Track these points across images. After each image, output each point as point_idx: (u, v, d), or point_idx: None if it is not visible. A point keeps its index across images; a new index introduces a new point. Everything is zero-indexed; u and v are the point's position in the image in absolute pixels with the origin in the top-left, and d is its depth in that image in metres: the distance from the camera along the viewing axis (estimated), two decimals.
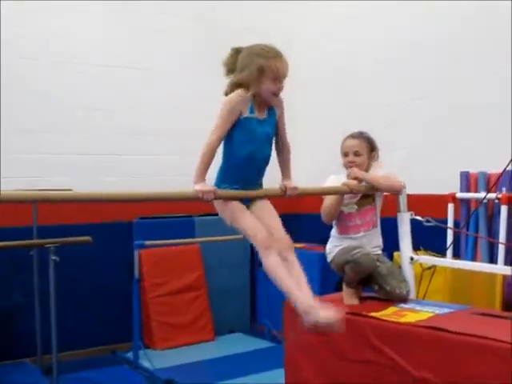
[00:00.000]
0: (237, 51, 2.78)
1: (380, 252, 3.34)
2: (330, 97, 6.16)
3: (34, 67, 5.28)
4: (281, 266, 2.66)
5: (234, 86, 2.71)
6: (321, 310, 2.52)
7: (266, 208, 2.82)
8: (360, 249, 3.17)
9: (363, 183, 3.26)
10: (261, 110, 2.73)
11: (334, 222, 3.37)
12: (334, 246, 3.35)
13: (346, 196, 3.29)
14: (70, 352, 5.20)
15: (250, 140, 2.70)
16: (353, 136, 3.35)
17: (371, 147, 3.34)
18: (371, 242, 3.30)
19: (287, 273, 2.67)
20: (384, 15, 5.61)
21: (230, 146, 2.73)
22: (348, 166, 3.31)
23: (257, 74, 2.64)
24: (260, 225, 2.70)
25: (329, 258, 3.37)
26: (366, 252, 3.16)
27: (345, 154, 3.35)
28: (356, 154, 3.31)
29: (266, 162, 2.80)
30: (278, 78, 2.67)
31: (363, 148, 3.31)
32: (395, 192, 3.34)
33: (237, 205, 2.75)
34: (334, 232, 3.40)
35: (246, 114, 2.68)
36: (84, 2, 5.49)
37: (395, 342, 2.72)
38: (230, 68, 2.79)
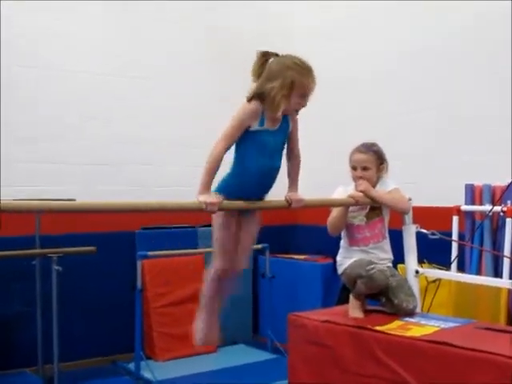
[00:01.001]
0: (264, 55, 2.72)
1: (390, 264, 3.32)
2: (330, 107, 6.15)
3: (32, 75, 5.28)
4: (215, 292, 3.07)
5: (256, 95, 2.65)
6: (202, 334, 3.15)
7: (250, 226, 2.91)
8: (375, 265, 3.14)
9: None
10: (275, 120, 2.69)
11: (343, 234, 3.35)
12: (344, 258, 3.32)
13: (354, 208, 3.28)
14: (71, 362, 5.17)
15: (261, 153, 2.68)
16: (361, 150, 3.32)
17: (380, 160, 3.33)
18: (381, 254, 3.28)
19: (215, 299, 3.11)
20: (385, 25, 5.61)
21: (242, 158, 2.71)
22: (357, 180, 3.30)
23: (287, 89, 2.60)
24: (229, 253, 2.85)
25: (340, 270, 3.34)
26: (380, 269, 3.13)
27: (353, 168, 3.34)
28: (364, 168, 3.29)
29: (276, 175, 2.77)
30: (306, 95, 2.66)
31: (372, 162, 3.29)
32: (402, 212, 3.34)
33: (225, 221, 2.79)
34: (343, 243, 3.38)
35: (256, 127, 2.65)
36: (83, 10, 5.50)
37: (400, 356, 2.70)
38: (257, 73, 2.71)
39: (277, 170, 2.77)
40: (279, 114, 2.64)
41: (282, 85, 2.60)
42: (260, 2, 6.46)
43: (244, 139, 2.67)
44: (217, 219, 2.80)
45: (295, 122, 2.79)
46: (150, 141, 5.83)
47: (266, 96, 2.61)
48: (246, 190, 2.74)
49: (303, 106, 2.69)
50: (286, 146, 2.81)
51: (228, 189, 2.74)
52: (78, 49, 5.51)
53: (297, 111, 2.71)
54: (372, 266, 3.11)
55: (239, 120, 2.63)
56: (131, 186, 5.64)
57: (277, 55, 2.72)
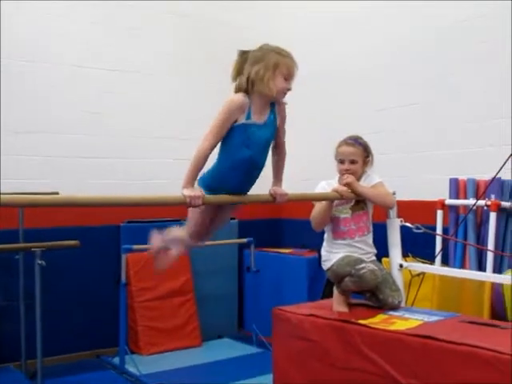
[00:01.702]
0: (243, 53, 2.73)
1: (374, 258, 3.31)
2: (318, 101, 6.15)
3: (25, 68, 5.26)
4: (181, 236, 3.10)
5: (242, 89, 2.67)
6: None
7: (226, 214, 3.00)
8: (364, 264, 3.12)
9: None
10: (261, 113, 2.69)
11: (327, 228, 3.33)
12: (329, 253, 3.28)
13: (339, 201, 3.26)
14: (55, 357, 5.17)
15: (247, 145, 2.66)
16: (348, 143, 3.29)
17: (366, 153, 3.32)
18: (366, 248, 3.28)
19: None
20: (374, 20, 5.61)
21: (227, 151, 2.70)
22: (343, 173, 3.28)
23: (272, 69, 2.62)
24: (198, 232, 3.00)
25: (325, 266, 3.30)
26: (371, 268, 3.10)
27: (340, 161, 3.31)
28: (352, 161, 3.28)
29: (260, 169, 2.77)
30: (290, 76, 2.67)
31: (359, 155, 3.28)
32: (386, 207, 3.33)
33: (204, 209, 2.81)
34: (328, 237, 3.34)
35: (243, 121, 2.64)
36: (78, 6, 5.48)
37: (384, 350, 2.70)
38: (238, 71, 2.72)
39: (262, 164, 2.76)
40: (273, 93, 2.64)
41: (267, 66, 2.62)
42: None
43: (230, 133, 2.66)
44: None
45: (283, 112, 2.78)
46: (136, 134, 5.81)
47: (254, 78, 2.62)
48: (229, 184, 2.73)
49: (288, 90, 2.70)
50: (272, 140, 2.79)
51: (212, 182, 2.73)
52: (67, 51, 5.49)
53: (283, 94, 2.71)
54: (362, 266, 3.08)
55: (226, 113, 2.62)
56: (116, 179, 5.61)
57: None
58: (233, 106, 2.63)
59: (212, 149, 2.64)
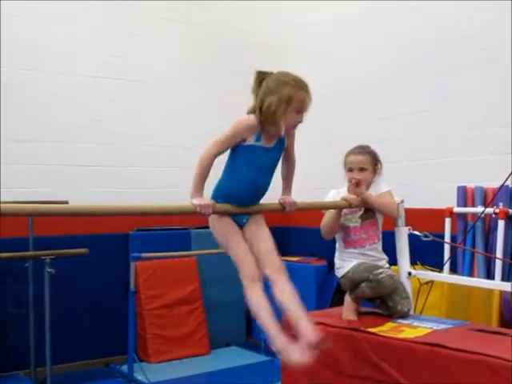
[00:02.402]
0: (260, 74, 2.69)
1: (388, 265, 3.33)
2: (323, 110, 6.16)
3: (28, 77, 5.28)
4: (263, 302, 2.63)
5: (256, 111, 2.63)
6: (294, 353, 2.45)
7: (259, 230, 2.80)
8: (382, 269, 3.14)
9: None
10: (271, 139, 2.68)
11: (337, 237, 3.35)
12: (343, 261, 3.31)
13: (348, 210, 3.28)
14: (64, 365, 5.17)
15: (253, 168, 2.67)
16: (357, 151, 3.33)
17: (375, 162, 3.34)
18: (377, 255, 3.29)
19: (268, 310, 2.61)
20: (378, 27, 5.62)
21: (233, 167, 2.71)
22: (352, 181, 3.30)
23: (285, 103, 2.58)
24: (249, 257, 2.69)
25: (339, 273, 3.32)
26: (389, 273, 3.13)
27: (349, 170, 3.33)
28: (361, 169, 3.30)
29: (266, 189, 2.77)
30: (302, 110, 2.63)
31: (368, 163, 3.30)
32: (389, 216, 3.35)
33: (231, 229, 2.73)
34: (339, 246, 3.37)
35: (251, 142, 2.64)
36: (80, 14, 5.51)
37: (393, 358, 2.71)
38: (255, 91, 2.69)
39: (267, 184, 2.76)
40: (280, 131, 2.62)
41: (280, 100, 2.57)
42: (260, 6, 6.48)
43: (238, 151, 2.67)
44: (220, 232, 2.76)
45: (292, 137, 2.78)
46: (145, 143, 5.84)
47: (265, 111, 2.59)
48: (237, 197, 2.72)
49: (300, 122, 2.67)
50: (280, 160, 2.80)
51: (220, 195, 2.74)
52: (73, 59, 5.52)
53: (294, 127, 2.68)
54: (380, 271, 3.11)
55: (234, 130, 2.62)
56: (125, 187, 5.63)
57: (272, 73, 2.70)
58: (243, 125, 2.62)
59: (215, 157, 2.63)
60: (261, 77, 2.67)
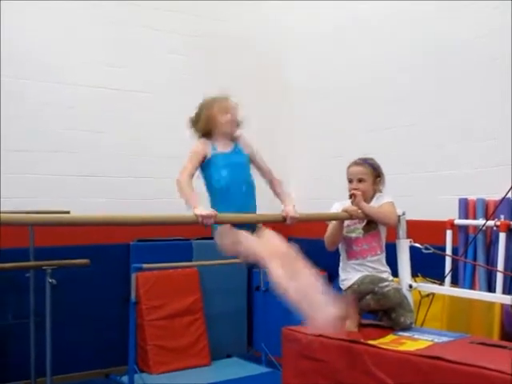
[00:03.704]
0: (191, 120, 3.21)
1: (391, 278, 3.33)
2: (329, 121, 6.18)
3: (25, 87, 5.30)
4: (285, 278, 2.71)
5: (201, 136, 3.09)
6: (325, 309, 2.59)
7: (270, 234, 2.97)
8: (388, 282, 3.15)
9: None
10: (225, 146, 3.04)
11: (340, 248, 3.36)
12: (347, 273, 3.32)
13: (350, 222, 3.30)
14: (65, 375, 5.17)
15: (222, 168, 2.96)
16: (356, 163, 3.38)
17: (376, 173, 3.36)
18: (380, 267, 3.29)
19: (292, 283, 2.70)
20: (374, 38, 5.63)
21: (209, 181, 2.99)
22: (351, 193, 3.32)
23: (211, 111, 3.06)
24: (260, 242, 2.86)
25: (344, 285, 3.33)
26: (395, 287, 3.14)
27: (349, 181, 3.38)
28: (360, 180, 3.32)
29: (250, 185, 3.00)
30: (228, 109, 3.06)
31: (367, 174, 3.33)
32: (386, 225, 3.36)
33: (231, 230, 2.88)
34: (342, 258, 3.39)
35: (211, 153, 3.00)
36: (80, 25, 5.54)
37: (394, 371, 2.70)
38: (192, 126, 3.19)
39: (247, 181, 3.01)
40: (229, 131, 3.07)
41: (208, 111, 3.09)
42: (260, 12, 6.52)
43: (206, 169, 3.01)
44: (230, 235, 2.89)
45: (244, 141, 3.12)
46: (146, 153, 5.84)
47: (202, 124, 3.09)
48: (227, 202, 2.89)
49: (235, 121, 3.09)
50: (246, 163, 3.08)
51: (216, 206, 2.87)
52: (70, 69, 5.53)
53: (233, 125, 3.07)
54: (386, 284, 3.13)
55: (192, 153, 3.01)
56: (127, 198, 5.63)
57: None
58: (196, 146, 3.05)
59: (190, 176, 2.91)
60: (191, 120, 3.19)
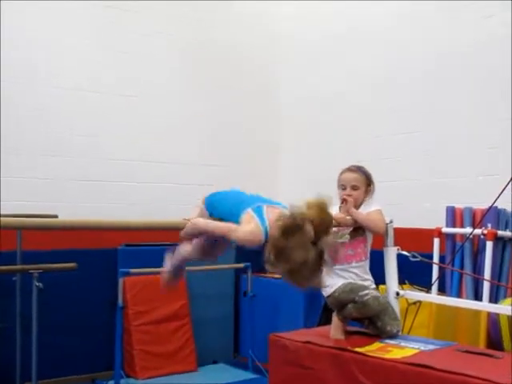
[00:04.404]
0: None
1: (374, 286, 3.33)
2: (316, 129, 6.20)
3: (20, 91, 5.29)
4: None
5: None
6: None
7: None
8: (368, 290, 3.14)
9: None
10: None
11: None
12: (330, 278, 3.23)
13: (337, 228, 3.29)
14: (50, 380, 5.14)
15: None
16: (351, 170, 3.36)
17: (368, 181, 3.36)
18: (363, 275, 3.29)
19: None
20: (372, 46, 5.67)
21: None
22: (343, 198, 3.31)
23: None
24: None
25: (326, 292, 3.28)
26: (375, 295, 3.13)
27: (342, 187, 3.35)
28: (354, 187, 3.32)
29: None
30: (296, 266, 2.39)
31: (361, 182, 3.33)
32: (374, 233, 3.36)
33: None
34: None
35: None
36: (74, 29, 5.55)
37: (380, 378, 2.70)
38: None
39: None
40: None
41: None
42: (249, 19, 6.53)
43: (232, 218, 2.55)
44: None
45: None
46: (135, 158, 5.84)
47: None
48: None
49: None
50: None
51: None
52: (66, 73, 5.53)
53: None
54: (366, 292, 3.10)
55: (233, 237, 2.48)
56: (115, 202, 5.63)
57: None
58: (243, 241, 2.47)
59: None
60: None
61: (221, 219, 2.63)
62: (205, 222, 2.59)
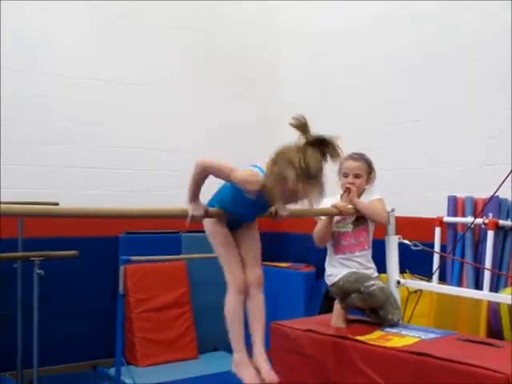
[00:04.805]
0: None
1: (377, 274, 3.33)
2: (318, 117, 6.17)
3: (21, 78, 5.27)
4: (240, 315, 2.76)
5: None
6: (247, 375, 2.69)
7: (251, 237, 2.80)
8: (374, 281, 3.14)
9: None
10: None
11: (328, 243, 3.34)
12: (333, 267, 3.30)
13: (340, 217, 3.29)
14: (51, 367, 5.16)
15: (239, 202, 2.59)
16: (354, 157, 3.34)
17: (370, 169, 3.35)
18: (366, 263, 3.29)
19: (240, 321, 2.76)
20: (374, 37, 5.64)
21: (229, 191, 2.61)
22: (346, 186, 3.31)
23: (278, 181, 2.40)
24: (240, 268, 2.72)
25: (329, 281, 3.31)
26: (381, 286, 3.13)
27: (344, 175, 3.34)
28: (356, 176, 3.31)
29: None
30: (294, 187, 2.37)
31: (363, 170, 3.32)
32: (377, 222, 3.35)
33: (224, 236, 2.70)
34: (329, 252, 3.37)
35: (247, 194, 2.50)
36: (74, 16, 5.53)
37: (381, 367, 2.72)
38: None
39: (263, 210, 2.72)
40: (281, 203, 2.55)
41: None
42: (249, 14, 6.51)
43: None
44: (212, 238, 2.75)
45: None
46: (138, 146, 5.85)
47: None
48: (237, 215, 2.70)
49: (296, 200, 2.47)
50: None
51: (223, 204, 2.69)
52: (67, 61, 5.51)
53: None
54: (372, 283, 3.11)
55: (239, 180, 2.47)
56: (116, 190, 5.64)
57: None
58: (243, 181, 2.47)
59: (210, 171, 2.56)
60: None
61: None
62: (211, 160, 2.52)
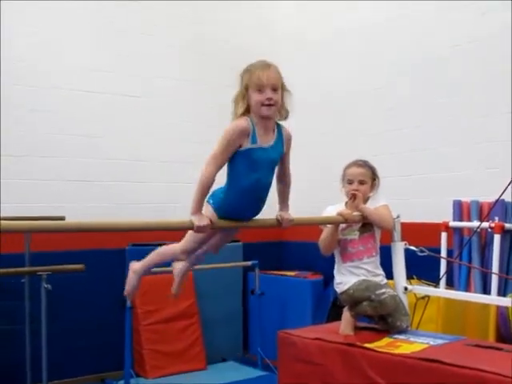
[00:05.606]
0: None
1: (386, 281, 3.32)
2: (318, 125, 6.19)
3: (21, 91, 5.29)
4: (165, 258, 3.36)
5: (236, 114, 2.64)
6: None
7: (229, 237, 3.03)
8: (385, 289, 3.13)
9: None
10: (267, 135, 2.64)
11: (336, 251, 3.33)
12: (342, 275, 3.29)
13: (345, 225, 3.28)
14: (60, 380, 5.17)
15: (253, 169, 2.62)
16: (358, 164, 3.34)
17: (373, 176, 3.35)
18: (375, 270, 3.29)
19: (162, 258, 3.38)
20: (373, 43, 5.66)
21: (234, 175, 2.66)
22: (352, 193, 3.31)
23: (244, 91, 2.61)
24: (196, 245, 2.95)
25: (339, 289, 3.29)
26: (392, 294, 3.12)
27: (349, 182, 3.34)
28: (361, 182, 3.31)
29: (268, 189, 2.74)
30: (262, 86, 2.56)
31: (368, 176, 3.32)
32: (384, 228, 3.35)
33: (202, 235, 2.76)
34: (337, 260, 3.36)
35: (248, 146, 2.58)
36: (74, 28, 5.55)
37: (390, 374, 2.71)
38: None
39: (269, 185, 2.75)
40: (264, 114, 2.59)
41: (240, 90, 2.63)
42: (250, 22, 6.55)
43: (236, 159, 2.61)
44: (197, 230, 2.73)
45: (289, 146, 2.76)
46: (140, 159, 5.86)
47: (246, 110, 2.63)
48: (238, 211, 2.73)
49: (269, 100, 2.57)
50: (278, 165, 2.77)
51: (221, 206, 2.71)
52: (68, 66, 5.53)
53: (265, 106, 2.57)
54: (383, 291, 3.10)
55: (226, 140, 2.57)
56: (121, 203, 5.65)
57: None
58: (234, 133, 2.57)
59: (215, 174, 2.59)
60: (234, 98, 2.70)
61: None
62: (208, 161, 2.60)
